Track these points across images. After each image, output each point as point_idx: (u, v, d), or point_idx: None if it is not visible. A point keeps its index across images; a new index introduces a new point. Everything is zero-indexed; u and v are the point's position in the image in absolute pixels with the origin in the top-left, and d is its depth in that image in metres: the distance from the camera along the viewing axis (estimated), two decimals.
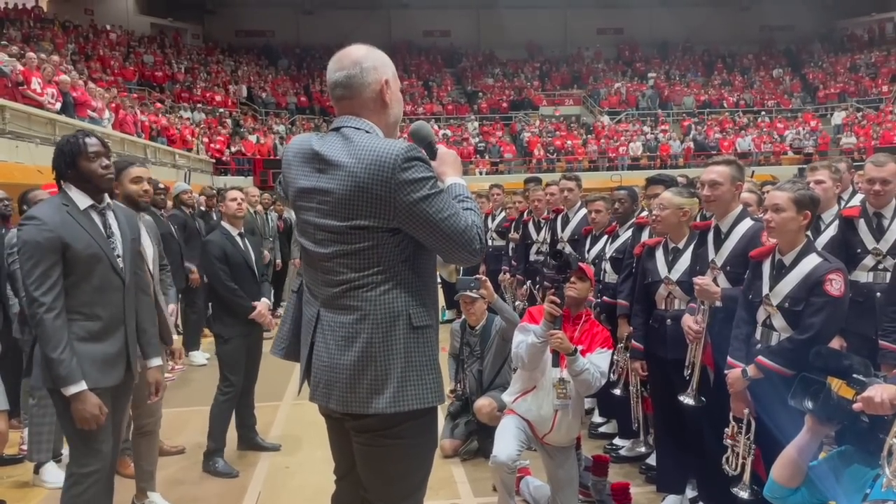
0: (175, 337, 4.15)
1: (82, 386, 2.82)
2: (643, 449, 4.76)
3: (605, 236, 5.26)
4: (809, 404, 2.44)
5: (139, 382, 3.31)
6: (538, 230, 6.79)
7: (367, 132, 2.17)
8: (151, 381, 3.35)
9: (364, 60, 2.20)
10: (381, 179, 2.06)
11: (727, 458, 3.27)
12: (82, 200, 2.95)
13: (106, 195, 3.06)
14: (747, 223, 3.51)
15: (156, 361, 3.35)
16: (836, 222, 4.13)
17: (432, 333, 2.24)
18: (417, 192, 2.07)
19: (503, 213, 8.60)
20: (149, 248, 3.86)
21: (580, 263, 3.98)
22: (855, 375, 2.37)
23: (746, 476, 3.18)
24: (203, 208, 9.21)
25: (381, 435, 2.17)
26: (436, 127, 27.53)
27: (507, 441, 3.71)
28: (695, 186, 4.92)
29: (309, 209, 2.20)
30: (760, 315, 3.20)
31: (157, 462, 4.16)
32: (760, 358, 3.08)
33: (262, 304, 4.84)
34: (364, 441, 2.22)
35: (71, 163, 2.95)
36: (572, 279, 3.83)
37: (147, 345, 3.25)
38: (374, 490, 2.26)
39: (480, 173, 24.51)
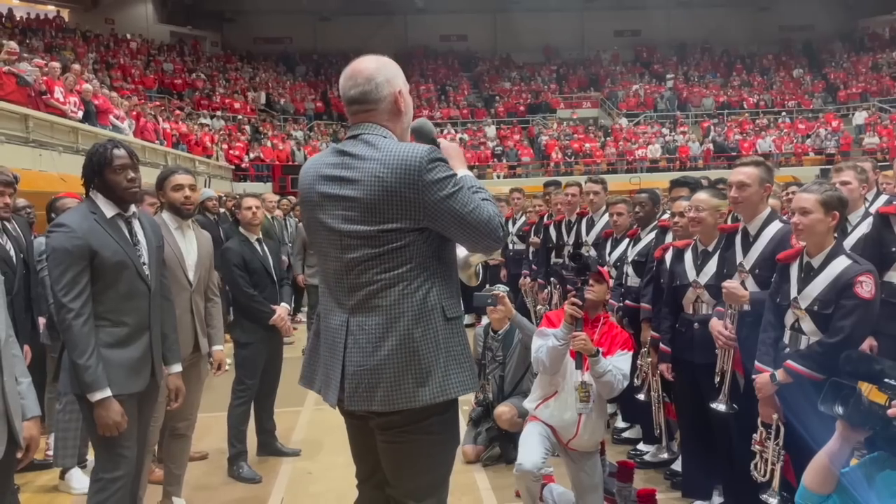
0: (220, 347, 4.15)
1: (107, 392, 2.84)
2: (666, 455, 4.72)
3: (627, 239, 5.23)
4: (840, 410, 2.39)
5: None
6: (559, 234, 6.76)
7: (384, 137, 2.24)
8: (171, 387, 3.32)
9: (377, 75, 2.26)
10: (409, 182, 2.13)
11: (756, 465, 3.22)
12: (108, 209, 2.98)
13: (132, 205, 3.08)
14: (776, 225, 3.46)
15: (176, 368, 3.31)
16: (867, 221, 4.05)
17: (462, 324, 2.34)
18: (443, 190, 2.15)
19: (523, 217, 8.57)
20: (190, 255, 3.87)
21: (598, 266, 3.96)
22: (887, 380, 2.32)
23: (776, 482, 3.14)
24: (224, 212, 9.27)
25: (406, 430, 2.22)
26: (453, 131, 27.56)
27: (531, 448, 3.68)
28: (717, 188, 4.88)
29: (334, 217, 2.23)
30: (789, 319, 3.15)
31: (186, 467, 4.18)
32: (789, 362, 3.04)
33: (282, 309, 4.86)
34: (389, 438, 2.26)
35: (97, 172, 2.98)
36: (590, 282, 3.81)
37: (168, 350, 3.23)
38: (400, 485, 2.30)
39: (498, 177, 24.49)
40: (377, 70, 2.26)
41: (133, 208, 3.09)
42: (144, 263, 3.04)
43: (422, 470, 2.28)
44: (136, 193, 3.07)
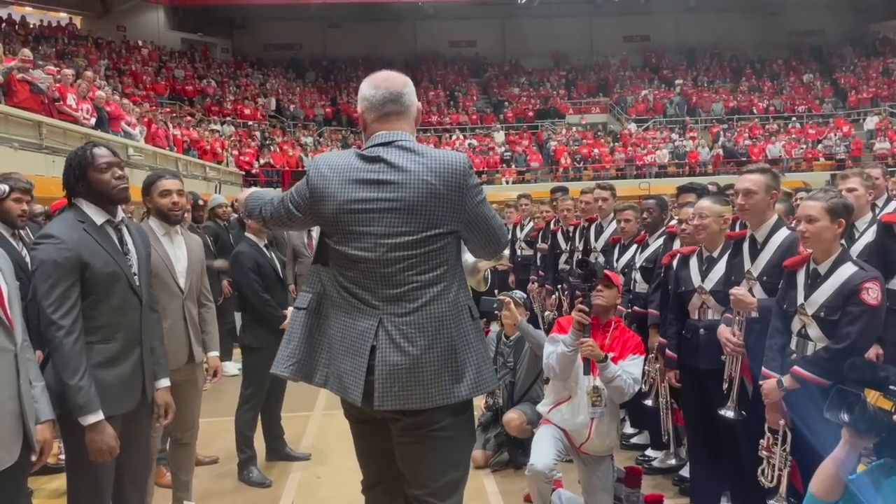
0: (215, 354, 4.08)
1: (100, 416, 2.66)
2: (674, 461, 4.72)
3: (635, 245, 5.24)
4: (846, 417, 2.41)
5: (178, 393, 3.26)
6: (567, 239, 6.77)
7: (419, 144, 2.34)
8: (160, 403, 3.09)
9: (409, 84, 2.42)
10: (455, 186, 2.25)
11: (763, 470, 3.23)
12: (97, 216, 2.81)
13: (120, 209, 2.91)
14: (784, 233, 3.46)
15: (164, 383, 3.10)
16: (873, 228, 4.07)
17: (481, 324, 2.47)
18: (479, 195, 2.32)
19: (531, 223, 8.58)
20: (180, 261, 3.76)
21: (606, 271, 3.98)
22: (892, 387, 2.33)
23: (783, 488, 3.14)
24: (234, 218, 9.31)
25: (432, 430, 2.29)
26: (462, 136, 27.60)
27: (543, 450, 3.72)
28: (725, 194, 4.89)
29: (370, 220, 2.27)
30: (795, 325, 3.16)
31: (194, 472, 4.20)
32: (796, 368, 3.05)
33: (291, 313, 4.88)
34: (414, 439, 2.31)
35: (80, 175, 2.80)
36: (599, 287, 3.83)
37: (156, 364, 3.03)
38: (425, 486, 2.34)
39: (507, 182, 24.50)
40: (407, 81, 2.42)
41: (121, 214, 2.92)
42: (135, 274, 2.89)
43: (446, 468, 2.35)
44: (125, 192, 2.88)
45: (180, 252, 3.79)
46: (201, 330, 3.94)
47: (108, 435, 2.69)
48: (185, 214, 4.16)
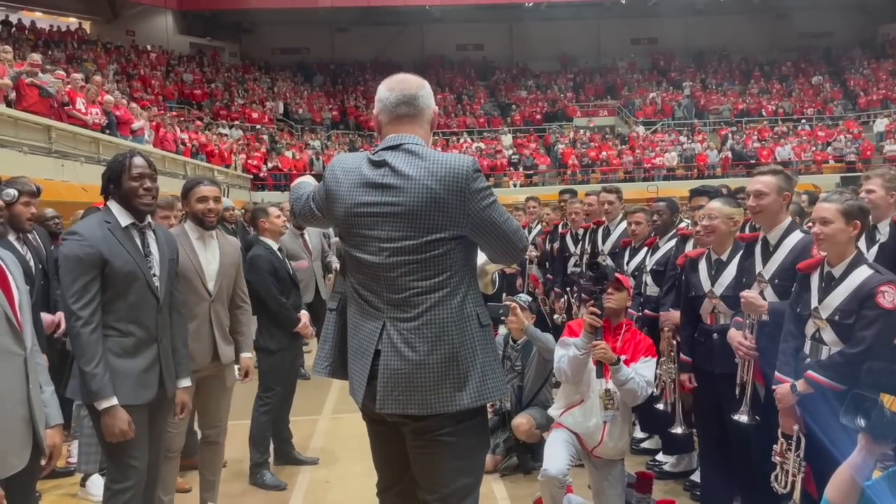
0: (248, 354, 4.12)
1: (113, 401, 2.84)
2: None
3: (645, 248, 5.21)
4: (862, 422, 2.37)
5: (204, 392, 3.39)
6: (576, 242, 6.74)
7: (425, 147, 2.31)
8: (177, 401, 3.28)
9: (425, 87, 2.40)
10: (456, 190, 2.21)
11: (776, 476, 3.18)
12: (124, 218, 2.99)
13: (148, 216, 3.09)
14: (797, 235, 3.43)
15: (184, 382, 3.27)
16: (889, 230, 4.01)
17: (492, 331, 2.42)
18: (485, 199, 2.25)
19: (539, 226, 8.55)
20: (211, 265, 3.82)
21: (616, 273, 3.96)
22: None
23: (797, 494, 3.09)
24: (243, 223, 9.36)
25: (442, 435, 2.27)
26: (469, 140, 27.58)
27: (557, 455, 3.70)
28: (735, 197, 4.85)
29: (373, 224, 2.27)
30: (809, 329, 3.12)
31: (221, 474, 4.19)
32: (810, 372, 3.00)
33: (305, 316, 4.93)
34: (424, 443, 2.30)
35: (114, 179, 3.00)
36: (609, 290, 3.81)
37: (177, 364, 3.20)
38: (436, 491, 2.32)
39: (514, 185, 24.48)
40: (424, 84, 2.40)
41: (148, 219, 3.10)
42: (155, 275, 3.05)
43: (456, 474, 2.32)
44: (151, 204, 3.07)
45: (212, 256, 3.87)
46: (235, 331, 4.02)
47: (121, 419, 2.85)
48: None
